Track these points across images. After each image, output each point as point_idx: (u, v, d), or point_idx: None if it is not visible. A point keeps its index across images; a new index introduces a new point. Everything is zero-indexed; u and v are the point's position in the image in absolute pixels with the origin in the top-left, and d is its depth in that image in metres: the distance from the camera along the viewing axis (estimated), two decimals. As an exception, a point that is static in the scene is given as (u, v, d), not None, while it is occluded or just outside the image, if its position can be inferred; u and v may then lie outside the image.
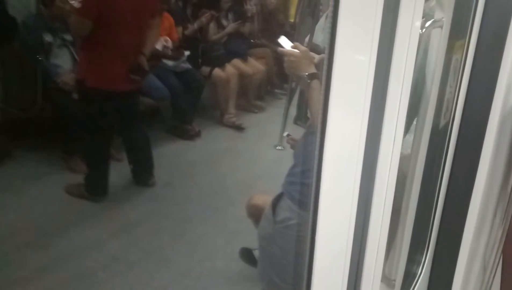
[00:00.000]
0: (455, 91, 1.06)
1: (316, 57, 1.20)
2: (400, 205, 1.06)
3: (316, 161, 0.45)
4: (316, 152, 0.44)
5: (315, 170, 0.45)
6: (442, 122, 1.06)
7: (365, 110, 0.46)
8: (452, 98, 1.06)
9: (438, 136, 1.09)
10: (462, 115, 1.12)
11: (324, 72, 0.44)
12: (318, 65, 1.18)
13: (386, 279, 1.08)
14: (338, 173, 0.47)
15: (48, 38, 2.99)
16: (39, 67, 2.95)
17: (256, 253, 2.12)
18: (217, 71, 4.23)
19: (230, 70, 4.36)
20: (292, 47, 1.20)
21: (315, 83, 1.14)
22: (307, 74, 1.15)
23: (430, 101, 1.02)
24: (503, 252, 1.20)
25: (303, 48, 1.19)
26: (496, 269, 1.20)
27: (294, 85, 3.73)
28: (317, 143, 0.44)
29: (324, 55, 1.20)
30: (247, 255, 2.16)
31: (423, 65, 1.00)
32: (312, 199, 0.46)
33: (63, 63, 3.05)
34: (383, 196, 0.57)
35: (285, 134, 1.81)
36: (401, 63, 0.55)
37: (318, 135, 0.44)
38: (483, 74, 1.07)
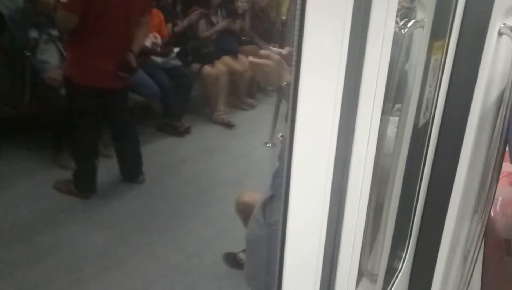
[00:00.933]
0: (435, 90, 1.08)
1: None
2: (382, 202, 1.08)
3: (286, 155, 0.46)
4: (287, 146, 0.46)
5: (285, 165, 0.46)
6: (422, 121, 1.08)
7: (336, 105, 0.47)
8: (432, 98, 1.08)
9: (419, 134, 1.11)
10: (442, 114, 1.14)
11: (292, 69, 0.44)
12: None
13: (369, 274, 1.10)
14: (308, 168, 0.48)
15: (33, 33, 2.96)
16: (27, 63, 2.93)
17: (239, 256, 2.17)
18: (206, 68, 4.23)
19: (220, 67, 4.36)
20: (264, 56, 1.07)
21: None
22: (285, 83, 1.04)
23: (412, 100, 1.04)
24: (484, 244, 1.23)
25: (275, 56, 1.06)
26: (475, 262, 1.23)
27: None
28: (288, 138, 0.45)
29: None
30: (231, 259, 2.22)
31: (405, 64, 1.02)
32: (283, 195, 0.47)
33: (50, 59, 3.03)
34: (357, 191, 0.58)
35: (279, 135, 1.82)
36: (375, 58, 0.55)
37: (289, 130, 0.45)
38: (463, 73, 1.09)
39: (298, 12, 0.42)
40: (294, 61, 0.43)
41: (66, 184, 2.76)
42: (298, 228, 0.49)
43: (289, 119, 0.45)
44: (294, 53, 0.43)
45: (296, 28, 0.43)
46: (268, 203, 1.38)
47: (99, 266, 2.21)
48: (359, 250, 0.66)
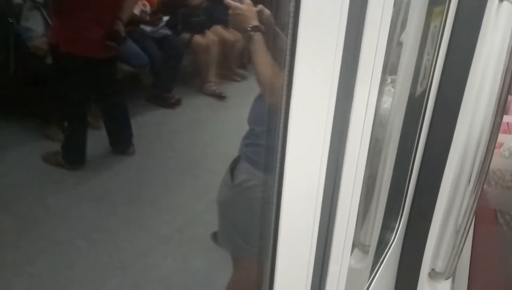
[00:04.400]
0: (433, 59, 1.05)
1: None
2: (376, 172, 1.07)
3: (281, 125, 0.43)
4: (282, 114, 0.43)
5: (280, 134, 0.44)
6: (419, 90, 1.05)
7: (335, 72, 0.44)
8: (430, 66, 1.05)
9: (415, 104, 1.09)
10: (439, 83, 1.11)
11: (289, 38, 0.42)
12: (262, 17, 1.15)
13: (361, 245, 1.10)
14: (304, 138, 0.46)
15: (17, -1, 2.85)
16: (11, 30, 2.82)
17: None
18: (197, 38, 4.13)
19: (211, 36, 4.26)
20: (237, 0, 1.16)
21: (258, 35, 1.13)
22: (250, 27, 1.12)
23: (408, 68, 1.00)
24: (475, 217, 1.23)
25: (248, 1, 1.15)
26: (467, 233, 1.23)
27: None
28: (283, 105, 0.43)
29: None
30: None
31: (402, 32, 0.98)
32: (278, 165, 0.45)
33: (35, 26, 2.93)
34: (354, 161, 0.56)
35: None
36: (375, 24, 0.53)
37: (284, 97, 0.42)
38: (462, 40, 1.06)
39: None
40: (291, 23, 0.40)
41: (55, 156, 2.72)
42: (293, 198, 0.47)
43: (284, 85, 0.42)
44: (291, 19, 0.40)
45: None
46: (235, 164, 1.39)
47: (89, 238, 2.20)
48: (354, 221, 0.64)
